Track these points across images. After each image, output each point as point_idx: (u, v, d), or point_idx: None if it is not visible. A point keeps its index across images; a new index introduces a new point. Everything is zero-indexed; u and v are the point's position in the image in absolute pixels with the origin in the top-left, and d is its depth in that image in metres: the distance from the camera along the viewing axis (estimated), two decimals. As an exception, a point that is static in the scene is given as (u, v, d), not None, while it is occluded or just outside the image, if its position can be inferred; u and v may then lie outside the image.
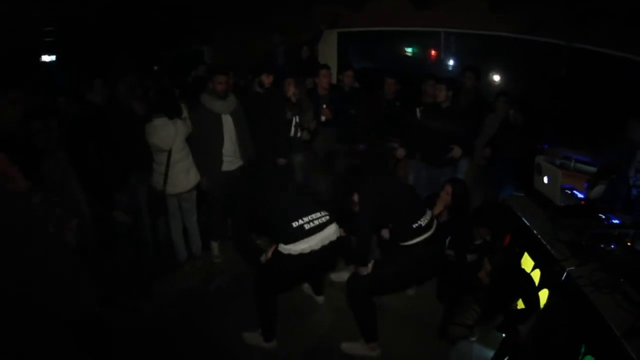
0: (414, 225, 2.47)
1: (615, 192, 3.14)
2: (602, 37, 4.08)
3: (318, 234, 2.33)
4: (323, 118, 4.04)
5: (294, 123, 3.83)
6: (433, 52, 5.86)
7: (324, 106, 4.04)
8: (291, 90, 3.71)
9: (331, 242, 2.38)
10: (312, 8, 5.71)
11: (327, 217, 2.39)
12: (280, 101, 3.72)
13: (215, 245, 3.71)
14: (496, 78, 5.42)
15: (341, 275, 3.40)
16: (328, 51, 6.06)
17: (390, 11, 5.34)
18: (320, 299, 3.21)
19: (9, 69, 4.01)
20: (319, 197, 2.68)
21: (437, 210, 3.11)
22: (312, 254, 2.31)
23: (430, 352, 2.75)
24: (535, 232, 2.54)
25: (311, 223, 2.31)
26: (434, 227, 2.57)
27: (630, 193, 3.14)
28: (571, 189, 3.09)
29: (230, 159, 3.42)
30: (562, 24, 4.21)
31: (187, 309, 3.13)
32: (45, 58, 4.97)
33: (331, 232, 2.39)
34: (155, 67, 5.47)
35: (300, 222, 2.28)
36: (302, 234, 2.29)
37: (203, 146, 3.34)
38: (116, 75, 3.54)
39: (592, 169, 3.73)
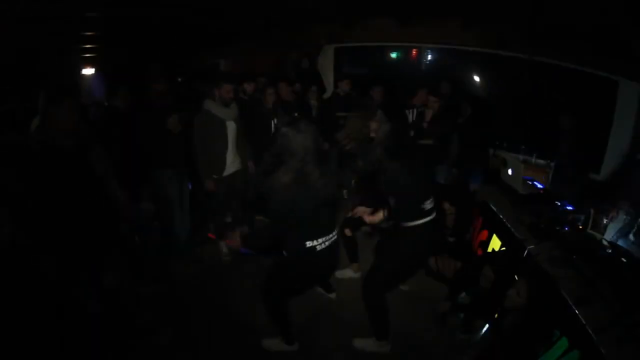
0: (422, 207, 2.16)
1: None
2: (561, 52, 4.07)
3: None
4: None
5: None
6: (414, 52, 5.98)
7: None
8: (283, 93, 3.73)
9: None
10: (311, 27, 5.64)
11: (335, 237, 2.09)
12: (263, 107, 3.61)
13: (223, 245, 3.39)
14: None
15: (345, 273, 3.14)
16: (326, 63, 6.00)
17: (378, 29, 5.29)
18: (332, 295, 2.90)
19: (58, 81, 3.94)
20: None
21: None
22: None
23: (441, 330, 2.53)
24: (501, 216, 2.58)
25: (323, 244, 2.00)
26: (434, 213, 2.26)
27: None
28: (532, 180, 3.11)
29: (230, 163, 3.22)
30: (525, 40, 4.17)
31: (204, 281, 3.02)
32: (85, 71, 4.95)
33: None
34: (179, 79, 5.41)
35: (315, 243, 1.97)
36: (310, 251, 1.98)
37: (208, 151, 3.07)
38: (148, 82, 3.19)
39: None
